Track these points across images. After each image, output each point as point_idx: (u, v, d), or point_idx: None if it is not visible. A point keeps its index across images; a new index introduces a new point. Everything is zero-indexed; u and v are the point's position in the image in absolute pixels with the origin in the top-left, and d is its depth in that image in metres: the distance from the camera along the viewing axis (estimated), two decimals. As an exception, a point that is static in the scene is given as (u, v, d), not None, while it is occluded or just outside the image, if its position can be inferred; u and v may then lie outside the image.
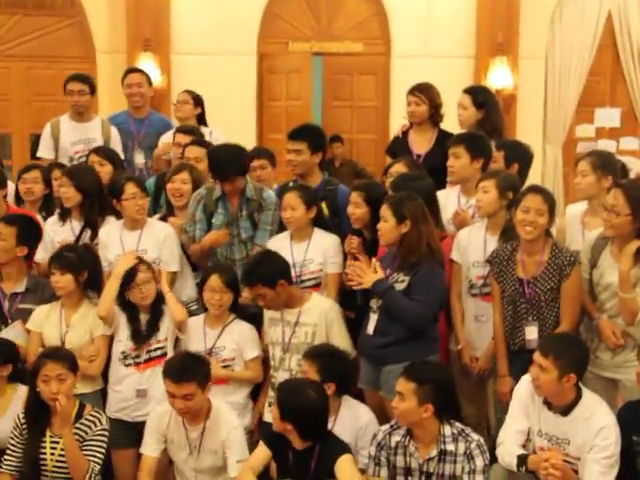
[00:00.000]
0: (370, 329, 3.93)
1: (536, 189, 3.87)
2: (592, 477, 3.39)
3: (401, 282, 3.85)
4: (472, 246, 4.13)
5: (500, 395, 3.89)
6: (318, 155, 4.46)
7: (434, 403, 3.41)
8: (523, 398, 3.57)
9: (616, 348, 3.80)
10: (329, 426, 3.65)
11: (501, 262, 3.96)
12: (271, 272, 3.85)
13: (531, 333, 3.82)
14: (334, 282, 4.28)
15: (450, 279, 4.12)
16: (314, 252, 4.24)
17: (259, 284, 3.85)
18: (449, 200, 4.43)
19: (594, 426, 3.38)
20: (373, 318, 3.93)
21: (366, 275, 3.86)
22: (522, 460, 3.42)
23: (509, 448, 3.50)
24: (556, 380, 3.39)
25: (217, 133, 5.34)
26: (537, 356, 3.44)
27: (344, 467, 3.36)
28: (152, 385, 4.00)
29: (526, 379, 3.57)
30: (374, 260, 3.94)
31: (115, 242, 4.34)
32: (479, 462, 3.48)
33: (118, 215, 4.46)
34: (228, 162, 4.25)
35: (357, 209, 4.22)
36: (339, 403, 3.79)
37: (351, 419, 3.75)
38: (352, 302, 4.10)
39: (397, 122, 5.15)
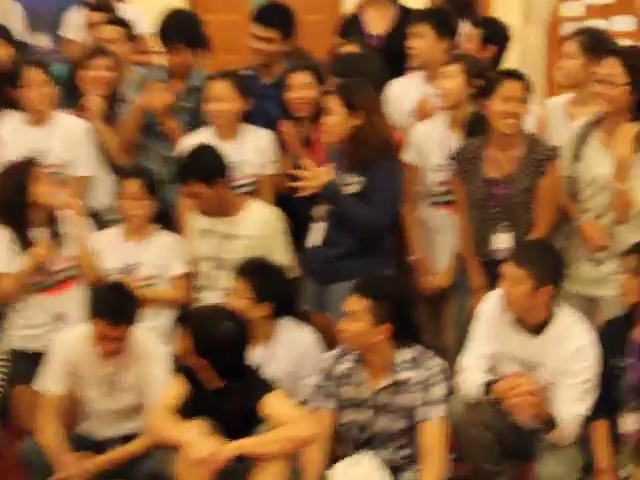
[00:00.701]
0: (317, 240, 3.77)
1: (515, 74, 3.72)
2: (565, 405, 3.27)
3: (354, 185, 3.70)
4: (431, 145, 3.95)
5: (471, 310, 3.74)
6: (288, 43, 4.27)
7: (392, 322, 3.25)
8: (489, 317, 3.45)
9: (601, 249, 3.66)
10: (262, 353, 3.50)
11: (468, 160, 3.82)
12: (209, 167, 3.70)
13: (503, 241, 3.70)
14: (270, 186, 4.12)
15: (403, 185, 3.95)
16: (249, 151, 4.07)
17: (194, 180, 3.70)
18: (410, 89, 4.24)
19: (569, 347, 3.28)
20: (317, 228, 3.78)
21: (314, 176, 3.67)
22: (486, 387, 3.28)
23: (472, 375, 3.37)
24: (531, 292, 3.25)
25: (134, 9, 5.06)
26: (509, 266, 3.30)
27: (275, 404, 3.19)
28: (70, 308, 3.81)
29: (493, 295, 3.45)
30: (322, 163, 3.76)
31: (16, 139, 4.07)
32: (437, 391, 3.31)
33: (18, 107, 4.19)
34: (175, 26, 4.05)
35: (306, 90, 4.06)
36: (277, 326, 3.64)
37: (291, 344, 3.59)
38: (287, 210, 3.98)
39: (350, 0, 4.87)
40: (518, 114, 3.66)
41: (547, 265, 3.27)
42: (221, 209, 3.79)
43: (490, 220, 3.74)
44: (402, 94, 4.13)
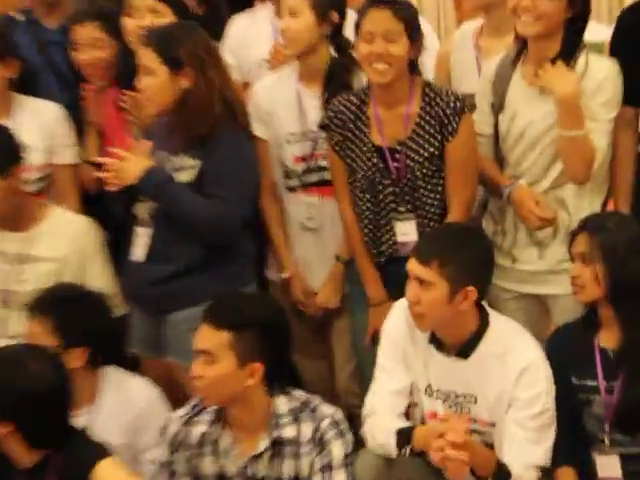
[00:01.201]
0: (139, 254, 3.25)
1: (383, 0, 3.24)
2: (513, 452, 2.82)
3: (187, 170, 3.24)
4: (281, 109, 3.54)
5: (371, 331, 3.35)
6: None
7: (263, 360, 2.84)
8: (398, 339, 2.99)
9: (543, 226, 3.24)
10: (85, 419, 3.00)
11: (344, 124, 3.32)
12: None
13: (406, 232, 3.31)
14: (69, 182, 3.66)
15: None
16: (31, 132, 3.57)
17: None
18: (258, 28, 3.88)
19: (512, 367, 2.86)
20: (143, 236, 3.25)
21: (128, 165, 3.21)
22: (405, 436, 2.84)
23: (382, 420, 2.93)
24: (446, 299, 2.83)
25: None
26: (413, 265, 2.86)
27: (109, 476, 2.74)
28: None
29: (400, 307, 2.99)
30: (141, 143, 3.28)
31: None
32: (337, 450, 2.84)
33: None
34: None
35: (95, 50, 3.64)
36: (98, 380, 3.09)
37: (121, 404, 3.07)
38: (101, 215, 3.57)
39: None
40: (391, 55, 3.20)
41: (466, 258, 2.85)
42: (15, 218, 3.34)
43: (385, 205, 3.32)
44: (247, 35, 3.79)
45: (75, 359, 2.98)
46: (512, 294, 3.30)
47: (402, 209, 3.30)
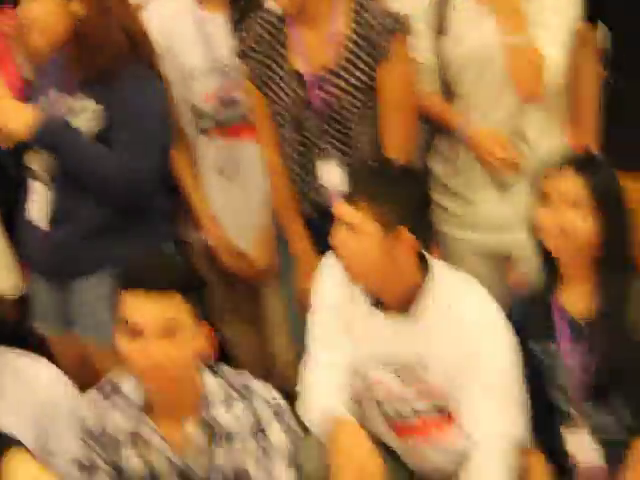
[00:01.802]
0: (36, 214, 2.96)
1: None
2: (480, 421, 2.56)
3: (84, 114, 2.93)
4: (181, 41, 3.22)
5: (301, 295, 3.04)
6: None
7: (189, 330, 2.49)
8: (332, 300, 2.73)
9: (506, 170, 3.02)
10: None
11: (261, 49, 3.02)
12: None
13: (332, 174, 3.03)
14: None
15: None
16: None
17: None
18: None
19: (462, 321, 2.59)
20: (39, 193, 2.97)
21: (9, 113, 2.90)
22: (328, 422, 2.57)
23: (317, 398, 2.66)
24: (378, 244, 2.57)
25: None
26: (340, 208, 2.61)
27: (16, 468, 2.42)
28: None
29: (331, 264, 2.72)
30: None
31: None
32: (276, 434, 2.54)
33: None
34: None
35: None
36: None
37: (21, 390, 2.75)
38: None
39: None
40: None
41: (399, 197, 2.59)
42: None
43: (309, 144, 3.04)
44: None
45: None
46: (469, 245, 3.07)
47: (328, 147, 3.01)
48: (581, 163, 2.59)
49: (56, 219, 2.95)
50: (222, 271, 3.27)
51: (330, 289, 2.71)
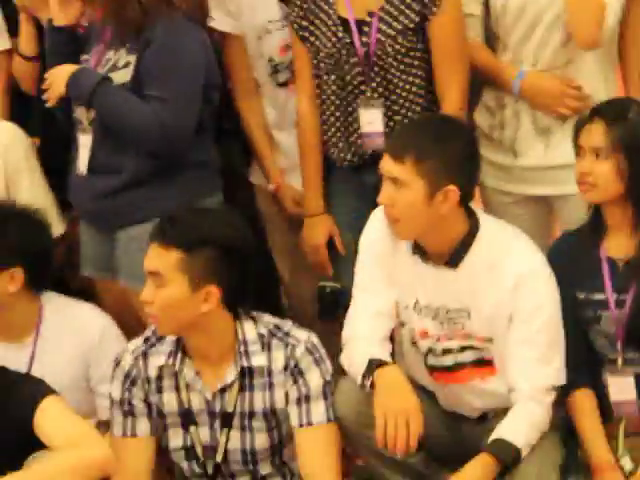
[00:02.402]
0: (81, 165, 2.93)
1: None
2: (525, 372, 2.54)
3: (122, 69, 2.89)
4: None
5: (311, 256, 3.08)
6: None
7: (220, 284, 2.54)
8: (378, 250, 2.68)
9: (577, 109, 2.90)
10: (27, 352, 2.80)
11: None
12: None
13: (371, 120, 2.95)
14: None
15: (229, 62, 3.13)
16: None
17: None
18: None
19: (508, 275, 2.56)
20: (84, 145, 2.93)
21: (55, 72, 2.88)
22: (372, 368, 2.55)
23: (361, 345, 2.62)
24: (424, 200, 2.52)
25: None
26: (386, 163, 2.55)
27: (51, 417, 2.49)
28: None
29: (378, 217, 2.68)
30: None
31: None
32: (314, 379, 2.59)
33: None
34: None
35: None
36: (40, 308, 2.82)
37: (67, 332, 2.83)
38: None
39: None
40: None
41: (446, 153, 2.53)
42: None
43: (352, 89, 2.94)
44: None
45: (10, 282, 2.72)
46: (514, 197, 2.99)
47: (369, 93, 2.93)
48: (610, 114, 2.55)
49: (98, 170, 2.92)
50: (285, 215, 3.22)
51: (375, 240, 2.67)
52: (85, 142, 2.90)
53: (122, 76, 2.85)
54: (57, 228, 2.97)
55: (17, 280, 2.71)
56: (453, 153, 2.54)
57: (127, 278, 2.88)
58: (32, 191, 3.00)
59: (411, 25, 2.87)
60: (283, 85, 3.14)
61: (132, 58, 2.84)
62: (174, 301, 2.49)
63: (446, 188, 2.49)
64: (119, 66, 2.86)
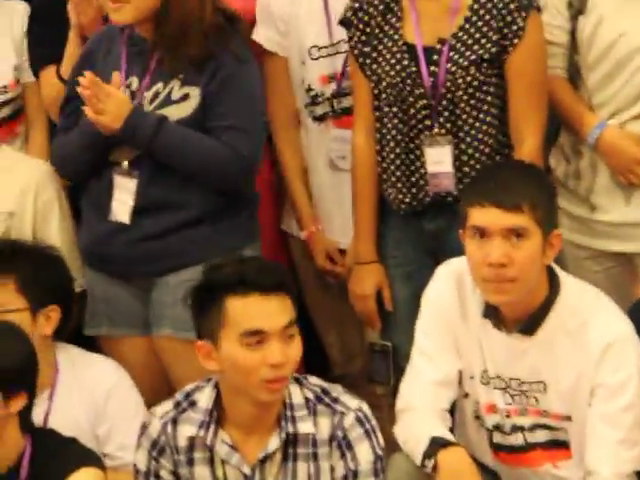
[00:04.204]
0: (121, 211, 2.85)
1: None
2: (606, 455, 2.39)
3: (177, 102, 2.83)
4: (303, 15, 3.05)
5: (358, 306, 2.95)
6: None
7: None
8: (445, 312, 2.57)
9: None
10: (44, 407, 2.71)
11: (370, 17, 2.85)
12: None
13: (439, 160, 2.84)
14: (40, 104, 3.12)
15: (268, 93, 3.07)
16: None
17: None
18: None
19: (592, 344, 2.45)
20: (125, 187, 2.86)
21: (107, 102, 2.74)
22: (435, 447, 2.41)
23: (419, 419, 2.50)
24: (540, 251, 2.45)
25: None
26: (495, 217, 2.42)
27: None
28: None
29: (445, 274, 2.58)
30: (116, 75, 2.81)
31: None
32: (365, 453, 2.43)
33: None
34: None
35: None
36: (55, 358, 2.79)
37: (83, 387, 2.77)
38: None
39: None
40: None
41: (547, 198, 2.50)
42: None
43: (415, 123, 2.84)
44: None
45: (46, 323, 2.69)
46: (590, 252, 2.90)
47: (436, 130, 2.82)
48: None
49: (146, 211, 2.84)
50: (316, 269, 3.16)
51: (442, 302, 2.55)
52: (125, 185, 2.81)
53: (179, 110, 2.80)
54: (79, 282, 2.90)
55: (53, 321, 2.69)
56: (552, 199, 2.52)
57: (174, 328, 2.79)
58: (61, 236, 2.95)
59: (486, 56, 2.76)
60: (319, 119, 3.07)
61: (192, 90, 2.79)
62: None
63: (554, 233, 2.45)
64: (174, 99, 2.80)
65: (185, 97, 2.80)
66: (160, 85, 2.80)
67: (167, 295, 2.83)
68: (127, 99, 2.75)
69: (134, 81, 2.84)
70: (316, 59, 3.05)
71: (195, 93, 2.79)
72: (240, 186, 2.86)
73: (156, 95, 2.83)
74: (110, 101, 2.72)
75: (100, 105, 2.70)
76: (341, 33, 2.96)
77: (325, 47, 3.02)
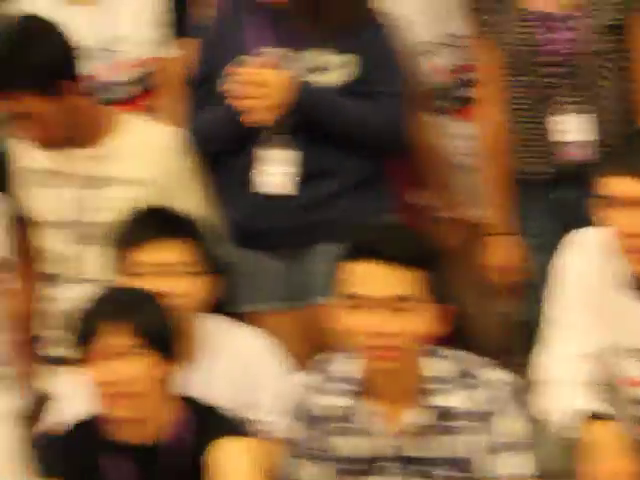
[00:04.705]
0: (279, 182, 2.88)
1: None
2: None
3: (333, 70, 2.89)
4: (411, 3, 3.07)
5: (495, 277, 2.98)
6: None
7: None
8: (583, 283, 2.52)
9: None
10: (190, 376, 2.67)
11: None
12: (40, 63, 2.77)
13: (567, 129, 2.83)
14: (173, 82, 3.10)
15: None
16: (125, 20, 3.12)
17: (18, 89, 2.77)
18: None
19: None
20: (280, 159, 2.88)
21: (268, 78, 2.78)
22: (586, 420, 2.38)
23: (562, 390, 2.47)
24: None
25: None
26: (628, 187, 2.34)
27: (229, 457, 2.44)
28: None
29: (583, 243, 2.53)
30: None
31: None
32: (511, 425, 2.41)
33: None
34: None
35: None
36: (202, 330, 2.77)
37: (229, 356, 2.77)
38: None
39: None
40: None
41: None
42: (76, 134, 2.82)
43: (539, 94, 2.86)
44: None
45: (206, 288, 2.69)
46: None
47: (564, 98, 2.83)
48: None
49: (306, 180, 2.87)
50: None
51: (580, 271, 2.50)
52: (282, 156, 2.84)
53: (333, 77, 2.86)
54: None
55: (210, 289, 2.69)
56: None
57: (325, 295, 2.75)
58: (195, 200, 2.90)
59: (611, 22, 2.80)
60: (442, 112, 3.11)
61: (348, 58, 2.85)
62: (425, 327, 2.34)
63: None
64: (329, 68, 2.85)
65: (343, 65, 2.86)
66: (307, 54, 2.86)
67: (319, 264, 2.85)
68: (287, 78, 2.78)
69: (279, 51, 2.87)
70: (424, 54, 3.09)
71: (340, 59, 2.86)
72: (395, 150, 2.92)
73: (307, 64, 2.87)
74: (272, 86, 2.76)
75: (261, 90, 2.75)
76: (454, 27, 3.01)
77: (433, 41, 3.07)
